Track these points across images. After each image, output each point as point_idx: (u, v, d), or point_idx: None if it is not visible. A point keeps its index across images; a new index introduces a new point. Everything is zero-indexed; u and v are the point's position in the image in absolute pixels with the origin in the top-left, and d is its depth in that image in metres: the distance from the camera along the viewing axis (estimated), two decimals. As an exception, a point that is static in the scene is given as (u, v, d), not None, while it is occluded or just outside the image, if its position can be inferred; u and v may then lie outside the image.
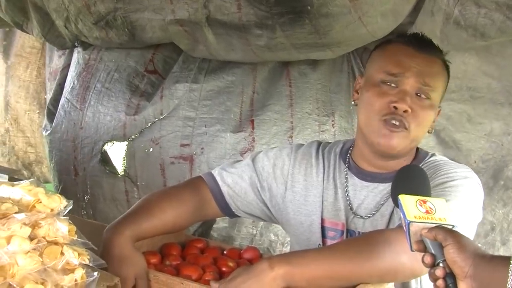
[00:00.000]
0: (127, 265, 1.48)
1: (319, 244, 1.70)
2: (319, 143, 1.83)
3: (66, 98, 3.65)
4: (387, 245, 1.40)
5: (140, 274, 1.48)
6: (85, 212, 3.49)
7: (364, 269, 1.40)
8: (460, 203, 1.49)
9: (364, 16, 2.58)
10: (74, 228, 1.28)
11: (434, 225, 1.18)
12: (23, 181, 1.32)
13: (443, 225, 1.18)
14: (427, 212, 1.20)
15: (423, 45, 1.64)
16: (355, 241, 1.54)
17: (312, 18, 2.65)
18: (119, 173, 3.37)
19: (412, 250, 1.21)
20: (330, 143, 1.84)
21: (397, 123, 1.57)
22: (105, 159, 3.41)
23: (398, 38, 1.70)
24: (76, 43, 3.69)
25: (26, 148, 4.81)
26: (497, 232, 2.90)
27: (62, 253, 1.22)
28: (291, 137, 3.07)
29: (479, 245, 2.74)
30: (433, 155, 1.71)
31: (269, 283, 1.36)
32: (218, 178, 1.79)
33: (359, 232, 1.67)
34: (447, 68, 1.68)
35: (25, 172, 4.65)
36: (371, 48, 2.94)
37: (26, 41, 4.63)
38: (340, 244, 1.56)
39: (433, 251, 1.16)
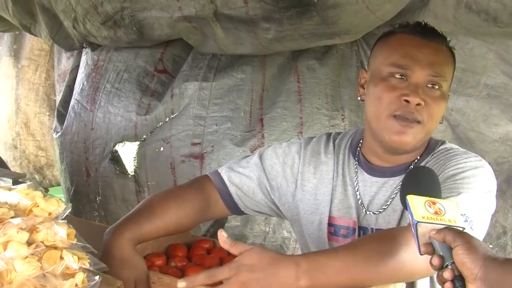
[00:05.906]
0: (127, 268, 1.44)
1: (325, 241, 1.66)
2: (328, 136, 1.76)
3: (76, 99, 3.65)
4: (401, 244, 1.34)
5: (140, 278, 1.44)
6: (97, 213, 3.48)
7: (382, 270, 1.33)
8: (473, 195, 1.44)
9: (371, 4, 2.55)
10: (73, 231, 1.25)
11: (442, 226, 1.14)
12: (20, 185, 1.29)
13: (453, 227, 1.14)
14: (436, 213, 1.16)
15: (429, 33, 1.58)
16: (373, 242, 1.42)
17: (319, 10, 2.63)
18: (129, 173, 3.35)
19: (420, 253, 1.17)
20: (340, 133, 1.77)
21: (409, 117, 1.51)
22: (116, 160, 3.41)
23: (401, 28, 1.62)
24: (84, 44, 3.69)
25: (37, 152, 4.83)
26: (508, 236, 2.83)
27: (61, 258, 1.19)
28: (300, 132, 3.04)
29: (491, 246, 2.69)
30: (443, 143, 1.65)
31: None
32: (225, 178, 1.73)
33: (372, 229, 1.62)
34: (453, 55, 1.62)
35: (36, 176, 4.68)
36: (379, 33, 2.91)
37: (34, 44, 4.65)
38: (359, 248, 1.41)
39: (441, 253, 1.12)
